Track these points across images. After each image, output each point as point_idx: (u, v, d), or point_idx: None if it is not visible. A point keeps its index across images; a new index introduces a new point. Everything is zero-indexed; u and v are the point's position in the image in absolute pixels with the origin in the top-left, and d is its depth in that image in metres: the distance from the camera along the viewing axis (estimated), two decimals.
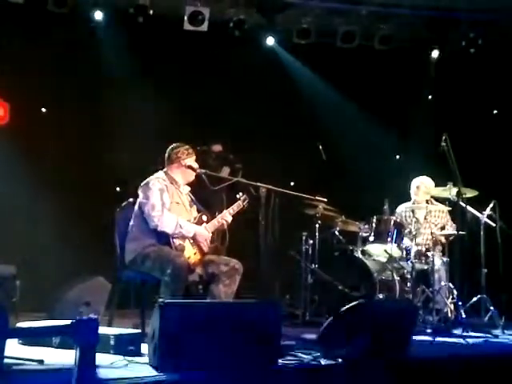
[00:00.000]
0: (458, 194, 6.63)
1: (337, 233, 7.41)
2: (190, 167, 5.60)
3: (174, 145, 5.67)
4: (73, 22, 7.77)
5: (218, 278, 5.35)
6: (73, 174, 8.03)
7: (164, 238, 5.29)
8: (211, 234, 5.56)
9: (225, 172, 7.30)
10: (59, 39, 7.85)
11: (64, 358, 4.16)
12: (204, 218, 5.61)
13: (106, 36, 8.08)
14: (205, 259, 5.47)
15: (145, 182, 5.49)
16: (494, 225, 6.92)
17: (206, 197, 6.03)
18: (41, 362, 4.03)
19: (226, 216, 5.68)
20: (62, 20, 7.69)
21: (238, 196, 5.84)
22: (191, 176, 5.66)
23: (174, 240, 5.29)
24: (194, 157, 5.67)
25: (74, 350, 3.53)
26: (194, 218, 5.57)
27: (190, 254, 5.35)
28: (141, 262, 5.23)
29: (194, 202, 5.74)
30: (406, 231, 7.07)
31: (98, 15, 7.91)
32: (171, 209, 5.41)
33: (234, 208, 5.74)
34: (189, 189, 5.78)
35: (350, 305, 4.72)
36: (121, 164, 7.91)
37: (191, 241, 5.39)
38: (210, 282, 5.39)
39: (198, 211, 5.71)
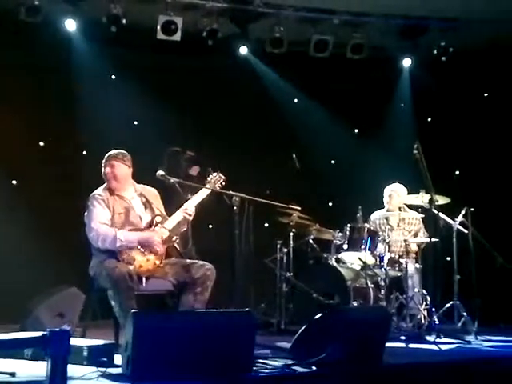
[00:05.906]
0: (431, 201, 6.69)
1: (311, 241, 7.44)
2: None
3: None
4: (45, 31, 7.72)
5: (190, 286, 5.26)
6: (47, 183, 7.96)
7: (112, 254, 5.24)
8: (167, 233, 5.36)
9: (194, 171, 7.19)
10: (31, 49, 7.80)
11: (36, 370, 4.12)
12: (158, 219, 5.45)
13: (79, 45, 8.05)
14: (178, 265, 5.37)
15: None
16: (466, 231, 6.98)
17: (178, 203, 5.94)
18: (13, 374, 3.98)
19: (188, 208, 5.48)
20: (35, 29, 7.64)
21: (208, 178, 5.70)
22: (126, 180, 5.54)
23: (122, 254, 5.21)
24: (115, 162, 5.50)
25: (45, 362, 3.52)
26: (147, 223, 5.43)
27: (141, 262, 5.22)
28: (98, 278, 5.23)
29: (149, 202, 5.56)
30: (379, 239, 7.12)
31: (71, 25, 7.87)
32: (114, 221, 5.36)
33: (197, 198, 5.56)
34: (148, 189, 5.65)
35: (324, 312, 4.74)
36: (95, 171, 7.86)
37: (141, 248, 5.26)
38: (182, 291, 5.30)
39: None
